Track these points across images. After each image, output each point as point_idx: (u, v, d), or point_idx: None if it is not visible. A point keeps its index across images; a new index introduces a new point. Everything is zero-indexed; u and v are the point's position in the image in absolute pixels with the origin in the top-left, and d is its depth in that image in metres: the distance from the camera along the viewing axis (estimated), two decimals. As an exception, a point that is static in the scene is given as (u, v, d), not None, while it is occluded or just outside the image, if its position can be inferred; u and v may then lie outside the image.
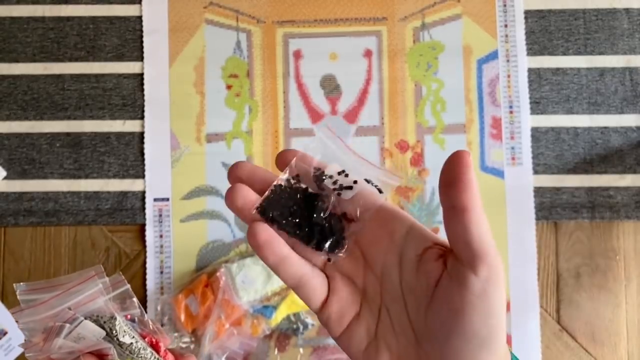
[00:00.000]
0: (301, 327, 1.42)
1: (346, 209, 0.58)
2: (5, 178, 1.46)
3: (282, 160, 0.59)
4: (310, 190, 0.58)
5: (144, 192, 1.47)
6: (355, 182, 0.57)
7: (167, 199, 1.46)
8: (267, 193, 0.57)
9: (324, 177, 0.58)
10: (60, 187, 1.47)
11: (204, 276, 1.40)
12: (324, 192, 0.58)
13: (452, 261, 0.52)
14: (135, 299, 0.65)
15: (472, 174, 0.50)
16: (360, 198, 0.57)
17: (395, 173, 0.58)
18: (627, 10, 1.50)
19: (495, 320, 0.51)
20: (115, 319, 0.61)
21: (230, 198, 0.57)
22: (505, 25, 1.50)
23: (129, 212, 1.46)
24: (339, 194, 0.57)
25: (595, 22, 1.50)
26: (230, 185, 0.57)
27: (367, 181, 0.58)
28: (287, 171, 0.58)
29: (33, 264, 1.45)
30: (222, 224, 1.46)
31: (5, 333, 1.40)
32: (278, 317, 1.39)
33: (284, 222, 0.57)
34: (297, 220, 0.57)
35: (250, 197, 0.57)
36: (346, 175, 0.58)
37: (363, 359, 0.57)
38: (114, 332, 0.61)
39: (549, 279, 1.45)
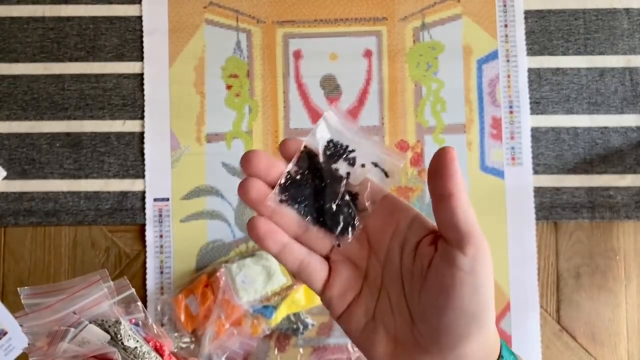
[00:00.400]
0: (301, 327, 1.42)
1: (355, 194, 0.61)
2: (5, 178, 1.46)
3: (285, 149, 0.61)
4: (323, 174, 0.60)
5: (144, 192, 1.47)
6: (362, 165, 0.61)
7: (167, 199, 1.46)
8: (280, 181, 0.59)
9: (333, 163, 0.60)
10: (60, 187, 1.47)
11: (204, 276, 1.40)
12: (334, 178, 0.60)
13: (442, 244, 0.56)
14: (139, 303, 0.66)
15: (456, 165, 0.54)
16: (367, 186, 0.61)
17: (401, 154, 0.60)
18: (627, 10, 1.51)
19: (483, 298, 0.54)
20: (120, 323, 0.62)
21: (243, 191, 0.59)
22: (505, 25, 1.50)
23: (129, 212, 1.47)
24: (347, 178, 0.60)
25: (595, 22, 1.50)
26: (244, 177, 0.59)
27: (374, 164, 0.61)
28: (297, 158, 0.60)
29: (33, 264, 1.45)
30: (222, 224, 1.47)
31: (5, 333, 1.40)
32: (278, 317, 1.39)
33: (299, 208, 0.60)
34: (311, 207, 0.60)
35: (263, 190, 0.59)
36: (353, 162, 0.61)
37: (361, 338, 0.61)
38: (119, 336, 0.61)
39: (549, 279, 1.45)
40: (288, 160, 0.60)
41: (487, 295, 0.54)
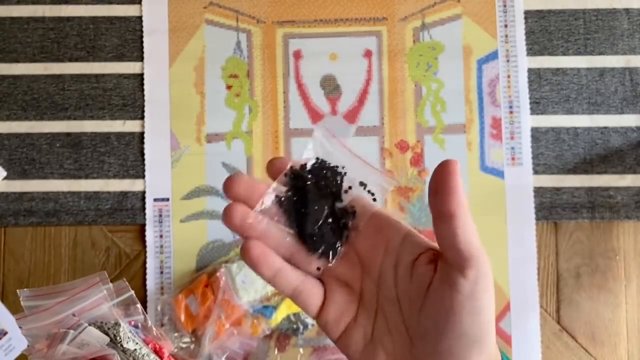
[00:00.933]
0: (301, 327, 1.42)
1: (340, 217, 0.59)
2: (5, 178, 1.46)
3: (272, 169, 0.60)
4: (307, 195, 0.59)
5: (144, 192, 1.47)
6: (350, 187, 0.59)
7: (167, 199, 1.47)
8: (263, 199, 0.58)
9: (319, 184, 0.59)
10: (61, 187, 1.47)
11: (204, 276, 1.41)
12: (318, 200, 0.59)
13: (442, 265, 0.55)
14: (139, 305, 0.66)
15: (458, 181, 0.53)
16: (355, 205, 0.60)
17: (392, 176, 0.59)
18: (627, 10, 1.51)
19: (484, 320, 0.53)
20: (119, 325, 0.62)
21: (227, 217, 0.58)
22: (505, 26, 1.50)
23: (129, 212, 1.47)
24: (333, 201, 0.59)
25: (595, 22, 1.51)
26: (227, 203, 0.58)
27: (362, 185, 0.60)
28: (281, 178, 0.59)
29: (33, 264, 1.46)
30: (222, 224, 1.45)
31: (5, 333, 1.40)
32: (278, 317, 1.39)
33: (280, 229, 0.59)
34: (291, 229, 0.59)
35: (247, 215, 0.57)
36: (341, 180, 0.59)
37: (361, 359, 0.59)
38: (118, 338, 0.61)
39: (549, 279, 1.46)
40: (275, 179, 0.59)
41: (488, 318, 0.54)
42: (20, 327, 0.62)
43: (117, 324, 0.62)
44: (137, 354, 0.62)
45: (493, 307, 0.54)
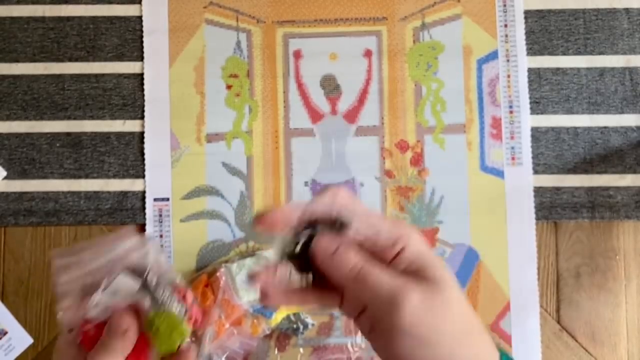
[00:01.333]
0: (301, 327, 1.46)
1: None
2: (5, 178, 1.51)
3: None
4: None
5: (144, 192, 1.52)
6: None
7: (167, 199, 1.51)
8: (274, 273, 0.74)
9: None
10: (60, 187, 1.52)
11: (204, 276, 1.43)
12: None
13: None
14: (164, 255, 0.75)
15: (329, 259, 0.69)
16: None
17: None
18: (627, 10, 1.55)
19: (440, 352, 0.65)
20: (150, 272, 0.71)
21: (251, 281, 0.74)
22: (505, 25, 1.55)
23: (129, 212, 1.52)
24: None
25: (595, 22, 1.56)
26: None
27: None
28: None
29: (33, 264, 1.49)
30: (222, 224, 1.52)
31: (5, 333, 1.44)
32: (278, 317, 1.43)
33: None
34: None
35: (268, 284, 0.74)
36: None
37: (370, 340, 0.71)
38: (150, 284, 0.71)
39: (549, 279, 1.50)
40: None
41: (445, 349, 0.65)
42: (55, 284, 0.70)
43: (147, 271, 0.70)
44: (166, 299, 0.70)
45: (448, 332, 0.65)
